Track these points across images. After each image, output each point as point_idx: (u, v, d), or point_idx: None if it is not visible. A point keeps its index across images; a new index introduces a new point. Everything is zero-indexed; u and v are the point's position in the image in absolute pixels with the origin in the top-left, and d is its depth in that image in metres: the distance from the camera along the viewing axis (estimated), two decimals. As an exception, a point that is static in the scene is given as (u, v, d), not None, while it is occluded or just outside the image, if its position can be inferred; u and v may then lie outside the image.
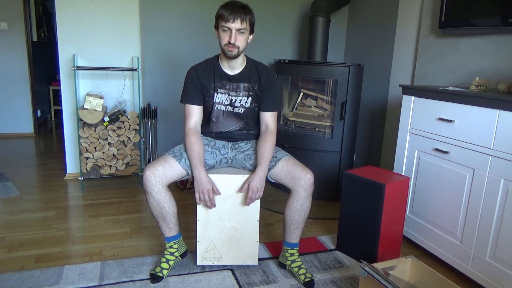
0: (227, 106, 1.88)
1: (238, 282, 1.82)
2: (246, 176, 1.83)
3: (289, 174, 1.79)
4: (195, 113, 1.85)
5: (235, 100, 1.87)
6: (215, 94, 1.85)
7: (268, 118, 1.89)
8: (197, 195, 1.77)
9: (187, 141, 1.81)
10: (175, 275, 1.85)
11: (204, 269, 1.91)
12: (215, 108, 1.88)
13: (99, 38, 3.01)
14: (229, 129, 1.93)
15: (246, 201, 1.81)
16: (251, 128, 1.96)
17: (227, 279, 1.84)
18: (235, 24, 1.70)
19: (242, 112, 1.89)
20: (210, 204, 1.78)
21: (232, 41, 1.71)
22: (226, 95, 1.86)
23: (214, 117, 1.90)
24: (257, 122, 1.97)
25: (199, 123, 1.88)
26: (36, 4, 5.11)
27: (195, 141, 1.79)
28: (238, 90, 1.86)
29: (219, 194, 1.81)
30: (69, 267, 1.88)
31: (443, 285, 1.59)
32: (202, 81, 1.84)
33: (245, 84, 1.86)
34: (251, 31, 1.79)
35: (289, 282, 1.84)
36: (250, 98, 1.88)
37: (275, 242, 2.22)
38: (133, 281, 1.80)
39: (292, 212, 1.83)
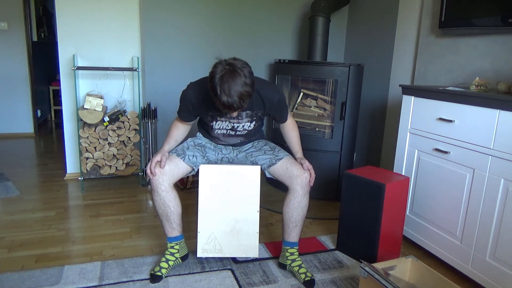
0: (229, 130, 1.87)
1: (238, 282, 1.82)
2: (248, 166, 1.87)
3: (287, 171, 1.82)
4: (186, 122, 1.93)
5: (238, 126, 1.84)
6: (214, 122, 1.82)
7: (285, 121, 1.98)
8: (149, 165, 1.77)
9: (172, 126, 1.90)
10: (175, 275, 1.85)
11: (204, 269, 1.91)
12: (215, 132, 1.88)
13: (99, 38, 3.01)
14: (230, 143, 1.95)
15: (310, 182, 1.83)
16: (252, 136, 1.97)
17: (227, 279, 1.84)
18: (233, 114, 1.66)
19: (244, 133, 1.90)
20: (149, 172, 1.75)
21: (234, 116, 1.73)
22: (227, 122, 1.82)
23: (214, 136, 1.92)
24: (259, 130, 2.00)
25: (188, 125, 1.94)
26: (36, 4, 5.11)
27: (181, 128, 1.90)
28: (240, 118, 1.81)
29: (163, 167, 1.77)
30: (69, 267, 1.88)
31: (443, 285, 1.59)
32: (197, 110, 1.80)
33: (248, 112, 1.79)
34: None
35: (289, 282, 1.84)
36: (253, 122, 1.85)
37: (275, 242, 2.22)
38: (133, 281, 1.80)
39: (290, 210, 1.84)
